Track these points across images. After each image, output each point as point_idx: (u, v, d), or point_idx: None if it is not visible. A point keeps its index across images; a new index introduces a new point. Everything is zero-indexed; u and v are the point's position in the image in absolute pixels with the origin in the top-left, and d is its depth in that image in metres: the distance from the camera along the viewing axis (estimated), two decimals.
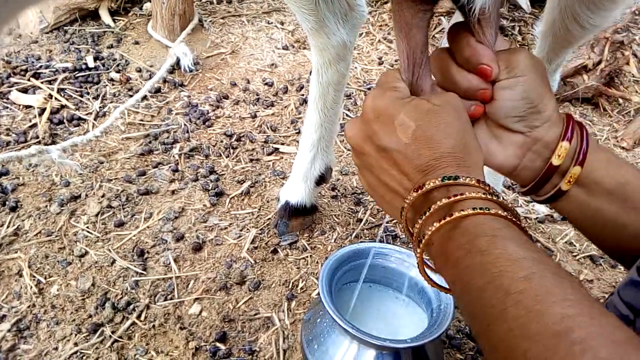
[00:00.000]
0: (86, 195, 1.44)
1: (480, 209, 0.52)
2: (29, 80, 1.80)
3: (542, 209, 1.51)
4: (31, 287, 1.21)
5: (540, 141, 0.64)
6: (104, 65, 1.92)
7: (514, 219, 0.52)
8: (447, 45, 0.68)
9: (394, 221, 1.44)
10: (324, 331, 0.99)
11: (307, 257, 1.33)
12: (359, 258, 1.08)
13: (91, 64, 1.90)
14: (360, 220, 1.43)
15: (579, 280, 1.29)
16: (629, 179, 0.62)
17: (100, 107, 1.74)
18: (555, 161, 0.63)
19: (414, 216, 0.57)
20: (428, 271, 0.60)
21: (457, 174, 0.55)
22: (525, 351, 0.41)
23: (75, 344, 1.12)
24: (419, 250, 0.56)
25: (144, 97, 1.76)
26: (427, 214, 0.54)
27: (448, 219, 0.52)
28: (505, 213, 0.52)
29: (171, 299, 1.22)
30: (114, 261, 1.28)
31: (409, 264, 1.07)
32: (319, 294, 0.96)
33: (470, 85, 0.64)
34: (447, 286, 0.57)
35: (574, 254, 1.40)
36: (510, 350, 0.42)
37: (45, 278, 1.24)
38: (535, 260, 0.46)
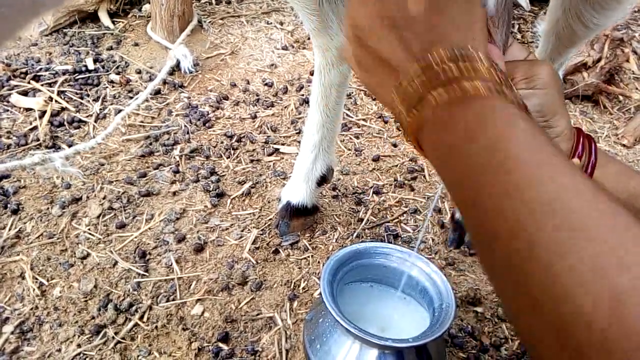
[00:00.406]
0: (87, 197, 1.44)
1: (497, 91, 0.46)
2: (29, 82, 1.80)
3: None
4: (34, 290, 1.21)
5: None
6: (103, 67, 1.92)
7: (527, 111, 0.48)
8: None
9: (396, 220, 1.44)
10: (326, 331, 0.99)
11: (308, 257, 1.33)
12: (361, 258, 1.08)
13: (91, 66, 1.91)
14: (361, 220, 1.43)
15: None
16: None
17: (100, 109, 1.74)
18: None
19: (414, 89, 0.50)
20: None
21: (466, 45, 0.49)
22: (519, 218, 0.38)
23: (79, 346, 1.12)
24: (412, 114, 0.50)
25: (144, 99, 1.76)
26: (429, 84, 0.48)
27: (458, 93, 0.46)
28: (521, 102, 0.48)
29: (173, 300, 1.22)
30: (115, 263, 1.28)
31: (411, 264, 1.07)
32: (320, 294, 0.97)
33: None
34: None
35: None
36: (501, 216, 0.39)
37: (47, 280, 1.24)
38: (544, 141, 0.42)
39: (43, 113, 1.69)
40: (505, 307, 0.42)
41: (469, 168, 0.43)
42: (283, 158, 1.62)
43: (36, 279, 1.24)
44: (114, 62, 1.95)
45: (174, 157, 1.58)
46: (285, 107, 1.81)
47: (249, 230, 1.38)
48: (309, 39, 2.11)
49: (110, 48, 2.03)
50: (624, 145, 1.80)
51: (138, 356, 1.11)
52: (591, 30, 1.01)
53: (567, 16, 0.99)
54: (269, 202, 1.46)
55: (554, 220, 0.36)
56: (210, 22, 2.20)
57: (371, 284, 1.13)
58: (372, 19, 0.55)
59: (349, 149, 1.66)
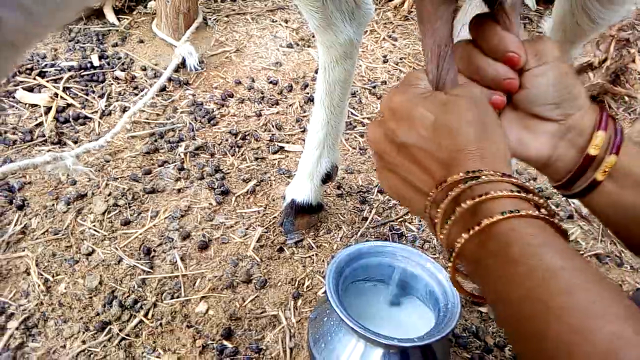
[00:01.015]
0: (93, 193, 1.44)
1: (510, 212, 0.48)
2: (34, 79, 1.80)
3: None
4: (39, 285, 1.22)
5: (574, 129, 0.62)
6: (109, 64, 1.92)
7: (547, 217, 0.49)
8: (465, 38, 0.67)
9: (400, 220, 1.44)
10: (331, 330, 0.99)
11: (312, 255, 1.33)
12: (366, 257, 1.08)
13: (96, 63, 1.91)
14: (365, 218, 1.43)
15: (619, 287, 1.28)
16: None
17: (105, 106, 1.74)
18: (593, 151, 0.60)
19: (440, 215, 0.54)
20: (460, 279, 0.57)
21: (480, 167, 0.52)
22: None
23: (83, 342, 1.12)
24: (450, 262, 0.54)
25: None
26: (453, 218, 0.52)
27: (477, 228, 0.49)
28: (537, 212, 0.49)
29: (178, 297, 1.22)
30: (120, 259, 1.28)
31: (416, 263, 1.07)
32: (325, 292, 0.97)
33: (497, 74, 0.61)
34: (478, 293, 0.55)
35: (580, 252, 1.40)
36: None
37: (52, 276, 1.24)
38: (574, 270, 0.43)
39: (48, 109, 1.70)
40: None
41: (511, 316, 0.46)
42: (288, 156, 1.62)
43: (41, 275, 1.24)
44: (119, 58, 1.95)
45: (179, 155, 1.58)
46: (290, 105, 1.81)
47: (253, 228, 1.38)
48: (313, 37, 2.11)
49: (116, 45, 2.03)
50: None
51: (142, 353, 1.12)
52: (598, 26, 1.00)
53: (574, 11, 0.99)
54: (273, 200, 1.47)
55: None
56: (215, 19, 2.20)
57: (376, 283, 1.13)
58: (382, 143, 0.60)
59: (354, 148, 1.66)
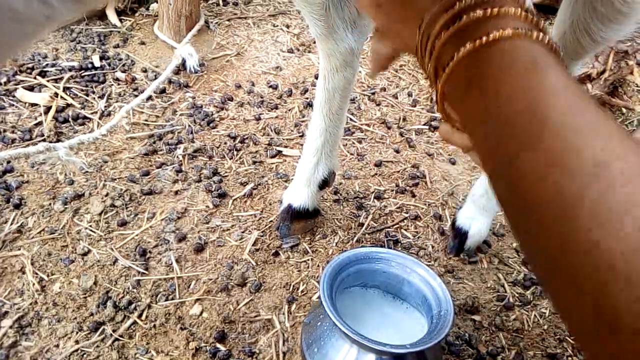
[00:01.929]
0: (90, 194, 1.44)
1: (522, 30, 0.43)
2: (35, 78, 1.81)
3: None
4: (33, 284, 1.22)
5: None
6: (109, 65, 1.93)
7: (555, 48, 0.45)
8: None
9: (396, 226, 1.45)
10: (324, 335, 1.00)
11: (308, 260, 1.33)
12: (361, 263, 1.09)
13: (97, 63, 1.91)
14: (362, 224, 1.43)
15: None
16: None
17: (105, 107, 1.75)
18: None
19: (436, 31, 0.48)
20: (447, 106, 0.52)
21: None
22: (560, 186, 0.37)
23: (76, 342, 1.12)
24: (440, 79, 0.48)
25: (149, 98, 1.77)
26: (452, 28, 0.46)
27: (485, 39, 0.43)
28: (549, 40, 0.45)
29: (172, 299, 1.22)
30: (116, 260, 1.29)
31: (410, 270, 1.08)
32: (319, 297, 0.97)
33: None
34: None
35: None
36: (541, 184, 0.38)
37: (47, 275, 1.24)
38: (577, 95, 0.41)
39: (48, 109, 1.70)
40: (544, 282, 0.41)
41: (502, 135, 0.42)
42: (286, 160, 1.62)
43: (36, 274, 1.24)
44: (120, 60, 1.96)
45: (177, 157, 1.59)
46: (289, 109, 1.82)
47: (249, 231, 1.39)
48: (314, 42, 2.12)
49: (117, 46, 2.03)
50: None
51: (135, 354, 1.12)
52: (598, 44, 1.01)
53: (575, 29, 1.00)
54: (270, 204, 1.47)
55: (595, 189, 0.35)
56: (217, 23, 2.21)
57: (370, 289, 1.13)
58: None
59: (352, 154, 1.67)
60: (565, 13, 1.00)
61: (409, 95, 1.94)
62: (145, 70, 1.93)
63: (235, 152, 1.63)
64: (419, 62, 0.52)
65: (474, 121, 0.46)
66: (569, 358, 1.19)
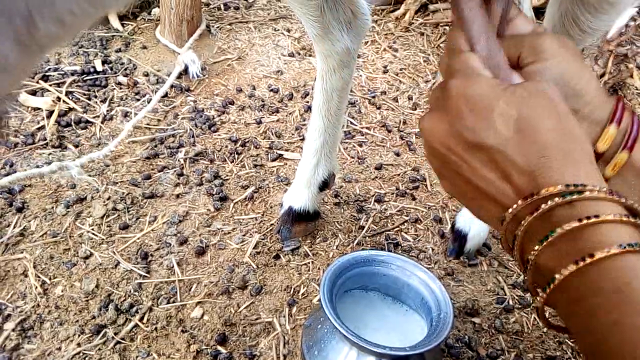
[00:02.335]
0: (92, 197, 1.45)
1: (630, 245, 0.41)
2: (37, 82, 1.82)
3: None
4: (36, 288, 1.23)
5: (585, 120, 0.56)
6: (111, 69, 1.94)
7: None
8: None
9: (396, 229, 1.45)
10: (324, 337, 1.00)
11: (308, 263, 1.34)
12: (361, 266, 1.09)
13: (99, 68, 1.93)
14: (362, 227, 1.44)
15: None
16: None
17: (107, 111, 1.76)
18: (602, 146, 0.54)
19: (521, 232, 0.47)
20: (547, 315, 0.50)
21: (579, 180, 0.44)
22: None
23: (78, 345, 1.13)
24: (542, 294, 0.46)
25: (150, 101, 1.78)
26: (549, 238, 0.44)
27: (588, 260, 0.42)
28: None
29: (174, 302, 1.23)
30: (118, 263, 1.29)
31: (410, 273, 1.08)
32: (320, 300, 0.98)
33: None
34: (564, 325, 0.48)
35: None
36: None
37: (50, 279, 1.25)
38: None
39: (51, 113, 1.71)
40: None
41: (608, 329, 0.41)
42: (287, 164, 1.63)
43: (39, 277, 1.25)
44: (122, 64, 1.97)
45: (179, 160, 1.60)
46: (290, 113, 1.83)
47: (250, 234, 1.40)
48: None
49: (119, 50, 2.05)
50: None
51: (137, 357, 1.12)
52: (587, 35, 1.02)
53: (564, 21, 1.01)
54: (271, 207, 1.48)
55: None
56: (218, 27, 2.22)
57: (370, 291, 1.14)
58: (449, 139, 0.51)
59: (352, 157, 1.68)
60: (555, 6, 1.02)
61: (409, 98, 1.95)
62: (147, 75, 1.94)
63: (236, 156, 1.64)
64: (503, 246, 0.51)
65: (586, 342, 0.44)
66: None
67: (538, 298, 0.47)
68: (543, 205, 0.45)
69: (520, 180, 0.47)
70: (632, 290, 0.40)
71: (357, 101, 1.90)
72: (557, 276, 0.44)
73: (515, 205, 0.47)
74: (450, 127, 0.52)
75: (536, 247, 0.45)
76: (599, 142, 0.55)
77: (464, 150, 0.51)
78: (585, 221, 0.43)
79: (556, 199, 0.44)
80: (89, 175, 1.47)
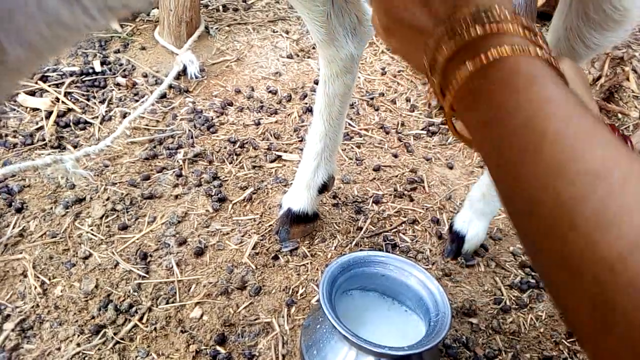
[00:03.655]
0: (91, 198, 1.46)
1: (520, 47, 0.46)
2: (36, 83, 1.83)
3: None
4: (35, 288, 1.23)
5: None
6: (110, 70, 1.94)
7: (553, 63, 0.47)
8: None
9: (394, 230, 1.46)
10: (323, 337, 1.01)
11: (307, 264, 1.35)
12: (359, 266, 1.10)
13: (98, 68, 1.93)
14: (360, 228, 1.45)
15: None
16: None
17: (106, 111, 1.76)
18: None
19: (442, 53, 0.50)
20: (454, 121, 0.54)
21: (490, 3, 0.48)
22: (560, 192, 0.39)
23: (78, 345, 1.13)
24: (449, 94, 0.50)
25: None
26: (454, 46, 0.48)
27: (484, 58, 0.46)
28: (547, 55, 0.47)
29: (173, 302, 1.23)
30: (117, 264, 1.30)
31: (408, 273, 1.09)
32: (318, 300, 0.98)
33: None
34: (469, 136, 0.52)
35: None
36: (542, 190, 0.40)
37: (49, 279, 1.25)
38: (574, 105, 0.42)
39: (49, 113, 1.71)
40: (545, 280, 0.43)
41: (506, 146, 0.44)
42: (285, 165, 1.64)
43: (38, 277, 1.25)
44: (121, 65, 1.98)
45: (178, 161, 1.60)
46: (289, 114, 1.84)
47: (249, 235, 1.40)
48: (313, 48, 2.14)
49: (118, 51, 2.05)
50: None
51: (136, 357, 1.13)
52: (592, 50, 1.03)
53: (569, 35, 1.02)
54: (269, 209, 1.48)
55: (595, 194, 0.37)
56: (217, 28, 2.23)
57: (369, 292, 1.15)
58: None
59: (350, 158, 1.68)
60: (560, 20, 1.02)
61: (407, 100, 1.96)
62: (145, 76, 1.94)
63: (235, 157, 1.64)
64: (429, 82, 0.55)
65: (480, 134, 0.48)
66: None
67: (445, 105, 0.50)
68: (457, 27, 0.48)
69: (441, 10, 0.51)
70: (516, 79, 0.44)
71: (355, 103, 1.91)
72: (457, 75, 0.48)
73: (435, 32, 0.51)
74: None
75: (445, 53, 0.49)
76: None
77: None
78: (487, 31, 0.47)
79: (468, 19, 0.48)
80: (89, 175, 1.48)
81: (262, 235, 1.40)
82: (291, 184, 1.41)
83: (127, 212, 1.43)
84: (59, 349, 1.13)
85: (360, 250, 1.37)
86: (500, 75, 0.46)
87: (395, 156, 1.71)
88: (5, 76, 0.38)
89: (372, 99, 1.94)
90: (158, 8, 2.10)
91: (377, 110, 1.90)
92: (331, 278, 1.03)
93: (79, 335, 1.15)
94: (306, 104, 1.87)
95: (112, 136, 1.50)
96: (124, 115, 1.75)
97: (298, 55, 2.13)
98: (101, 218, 1.41)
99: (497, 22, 0.47)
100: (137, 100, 1.82)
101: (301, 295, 1.27)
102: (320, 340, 1.01)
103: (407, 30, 0.55)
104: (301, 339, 1.07)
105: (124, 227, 1.39)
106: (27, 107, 1.74)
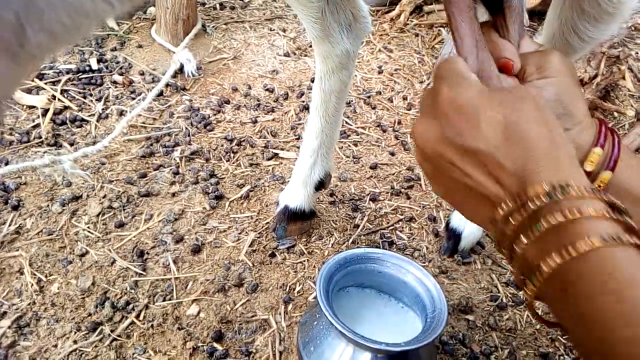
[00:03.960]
0: (87, 195, 1.45)
1: (612, 239, 0.43)
2: (33, 80, 1.82)
3: None
4: (32, 285, 1.23)
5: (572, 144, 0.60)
6: (107, 68, 1.94)
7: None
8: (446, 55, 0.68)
9: (391, 228, 1.47)
10: (320, 334, 1.01)
11: (304, 261, 1.35)
12: (356, 263, 1.10)
13: (95, 66, 1.93)
14: (357, 226, 1.45)
15: None
16: None
17: (102, 109, 1.76)
18: (588, 167, 0.58)
19: (512, 230, 0.49)
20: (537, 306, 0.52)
21: (563, 178, 0.46)
22: None
23: (75, 342, 1.13)
24: (534, 284, 0.47)
25: (145, 99, 1.78)
26: (536, 233, 0.46)
27: (572, 252, 0.44)
28: (637, 240, 0.45)
29: (170, 299, 1.23)
30: (114, 261, 1.30)
31: (405, 270, 1.09)
32: (315, 297, 0.99)
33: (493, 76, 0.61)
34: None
35: None
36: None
37: (45, 276, 1.25)
38: None
39: (46, 111, 1.71)
40: None
41: (595, 318, 0.43)
42: (282, 163, 1.64)
43: (34, 274, 1.25)
44: (118, 62, 1.97)
45: (174, 159, 1.60)
46: (286, 112, 1.84)
47: (246, 233, 1.40)
48: (310, 46, 2.14)
49: (114, 49, 2.05)
50: None
51: (133, 354, 1.13)
52: (586, 43, 1.04)
53: (563, 29, 1.03)
54: (267, 206, 1.48)
55: None
56: (214, 26, 2.22)
57: (366, 289, 1.15)
58: (440, 145, 0.53)
59: (347, 156, 1.69)
60: (554, 14, 1.03)
61: (404, 99, 1.96)
62: (142, 73, 1.94)
63: (232, 155, 1.64)
64: (495, 246, 0.54)
65: (571, 323, 0.46)
66: (561, 357, 1.21)
67: (528, 292, 0.48)
68: (531, 205, 0.47)
69: (509, 181, 0.49)
70: (614, 280, 0.42)
71: (352, 101, 1.91)
72: (543, 267, 0.46)
73: (504, 206, 0.49)
74: (440, 132, 0.54)
75: (524, 241, 0.47)
76: (585, 163, 0.58)
77: (454, 155, 0.53)
78: (569, 216, 0.45)
79: (543, 198, 0.46)
80: (87, 175, 1.47)
81: (259, 233, 1.40)
82: (288, 181, 1.42)
83: (124, 209, 1.43)
84: (55, 346, 1.13)
85: (357, 247, 1.37)
86: (593, 271, 0.43)
87: (392, 154, 1.71)
88: (22, 61, 0.39)
89: (369, 97, 1.95)
90: (155, 6, 2.10)
91: (374, 108, 1.90)
92: (328, 275, 1.03)
93: (75, 333, 1.15)
94: (303, 102, 1.88)
95: (109, 137, 1.50)
96: (121, 113, 1.75)
97: (295, 54, 2.13)
98: (98, 215, 1.41)
99: (577, 205, 0.45)
100: (133, 98, 1.82)
101: (298, 292, 1.28)
102: (317, 337, 1.01)
103: (466, 191, 0.53)
104: (298, 335, 1.07)
105: (121, 225, 1.39)
106: (23, 105, 1.73)
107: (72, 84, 1.85)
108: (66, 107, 1.75)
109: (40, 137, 1.62)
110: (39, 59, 0.41)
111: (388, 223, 1.48)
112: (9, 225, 1.35)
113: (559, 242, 0.45)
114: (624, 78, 2.07)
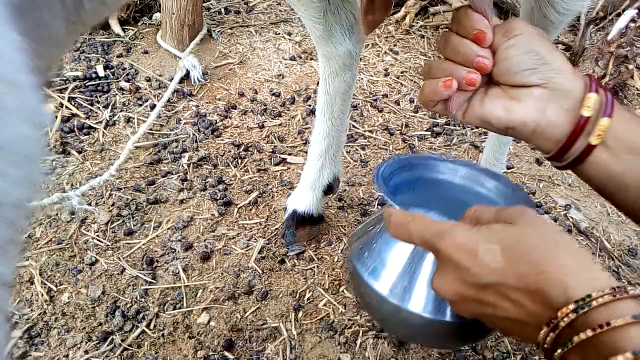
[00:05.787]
0: (96, 204, 1.46)
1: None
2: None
3: None
4: (42, 295, 1.23)
5: (559, 91, 0.63)
6: (114, 75, 1.94)
7: None
8: None
9: None
10: (376, 237, 0.80)
11: (314, 267, 1.34)
12: (415, 169, 0.87)
13: (101, 73, 1.93)
14: None
15: None
16: None
17: (110, 116, 1.76)
18: (586, 113, 0.61)
19: (549, 346, 0.52)
20: None
21: (585, 289, 0.49)
22: None
23: (86, 352, 1.13)
24: None
25: (154, 107, 1.79)
26: (566, 349, 0.49)
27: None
28: None
29: (180, 308, 1.23)
30: (124, 270, 1.30)
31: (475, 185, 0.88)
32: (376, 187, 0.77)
33: (468, 51, 0.65)
34: None
35: None
36: None
37: (56, 286, 1.25)
38: None
39: (54, 119, 1.71)
40: None
41: None
42: (290, 168, 1.64)
43: (45, 284, 1.25)
44: (124, 69, 1.97)
45: (183, 166, 1.60)
46: (293, 117, 1.83)
47: (255, 239, 1.40)
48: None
49: (121, 55, 2.05)
50: None
51: None
52: (563, 16, 1.06)
53: (540, 4, 1.05)
54: (275, 212, 1.48)
55: None
56: (219, 31, 2.22)
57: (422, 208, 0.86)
58: (460, 287, 0.57)
59: (355, 161, 1.68)
60: None
61: (411, 101, 1.95)
62: (149, 80, 1.94)
63: (239, 161, 1.64)
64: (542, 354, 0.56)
65: None
66: None
67: None
68: (562, 324, 0.49)
69: (533, 306, 0.52)
70: None
71: (359, 104, 1.91)
72: None
73: (542, 333, 0.51)
74: (454, 278, 0.57)
75: (559, 351, 0.50)
76: (583, 109, 0.61)
77: (476, 294, 0.56)
78: (598, 330, 0.47)
79: (570, 316, 0.49)
80: (94, 209, 1.46)
81: (268, 240, 1.40)
82: (296, 187, 1.41)
83: (133, 217, 1.43)
84: (67, 356, 1.13)
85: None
86: None
87: None
88: (76, 29, 0.42)
89: (375, 100, 1.94)
90: (160, 12, 2.10)
91: (381, 111, 1.90)
92: (385, 174, 0.81)
93: (87, 343, 1.15)
94: (310, 106, 1.87)
95: (117, 163, 1.51)
96: (128, 120, 1.75)
97: (301, 58, 2.13)
98: (107, 224, 1.41)
99: (606, 317, 0.47)
100: (141, 105, 1.82)
101: (308, 299, 1.27)
102: (372, 241, 0.79)
103: (503, 319, 0.56)
104: (351, 249, 0.82)
105: (130, 233, 1.39)
106: None
107: (79, 92, 1.85)
108: (74, 115, 1.76)
109: (48, 145, 1.62)
110: (88, 26, 0.44)
111: None
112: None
113: (591, 356, 0.47)
114: (632, 77, 2.05)
